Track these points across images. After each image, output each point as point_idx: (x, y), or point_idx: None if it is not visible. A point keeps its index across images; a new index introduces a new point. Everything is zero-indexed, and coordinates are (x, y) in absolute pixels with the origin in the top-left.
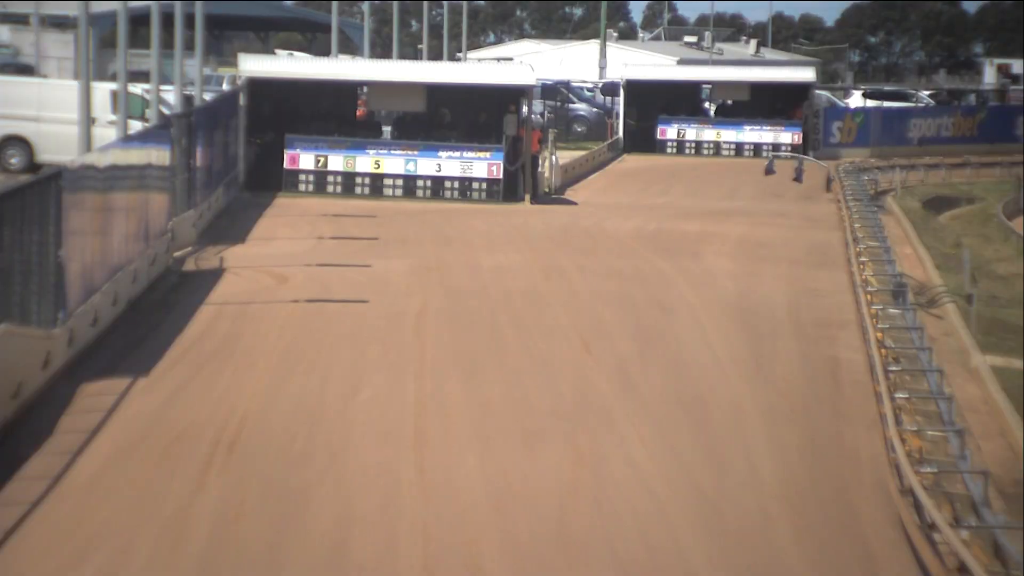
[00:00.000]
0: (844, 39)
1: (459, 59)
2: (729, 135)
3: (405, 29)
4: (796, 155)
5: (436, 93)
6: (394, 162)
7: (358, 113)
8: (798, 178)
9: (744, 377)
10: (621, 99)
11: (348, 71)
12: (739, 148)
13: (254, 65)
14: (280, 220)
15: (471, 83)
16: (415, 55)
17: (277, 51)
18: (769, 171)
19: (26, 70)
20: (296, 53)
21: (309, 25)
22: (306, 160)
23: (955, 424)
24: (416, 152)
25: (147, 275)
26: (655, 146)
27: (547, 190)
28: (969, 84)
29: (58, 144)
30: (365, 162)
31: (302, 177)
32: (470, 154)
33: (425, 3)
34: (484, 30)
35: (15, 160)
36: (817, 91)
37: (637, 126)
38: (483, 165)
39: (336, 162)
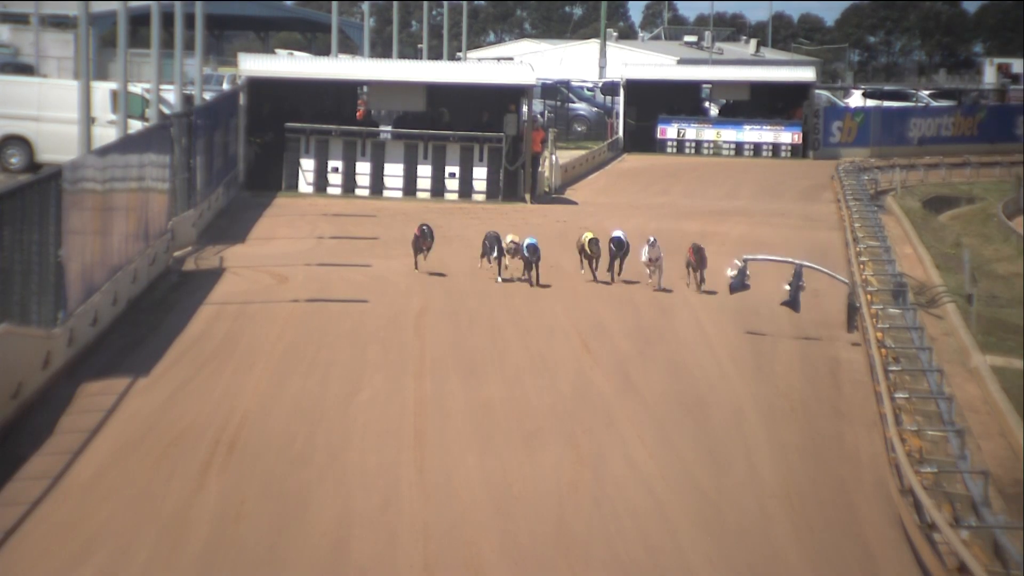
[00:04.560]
0: (844, 39)
1: (459, 59)
2: (729, 135)
3: (405, 29)
4: (792, 261)
5: (436, 93)
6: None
7: (358, 113)
8: (792, 302)
9: (744, 377)
10: (621, 99)
11: (348, 71)
12: (739, 148)
13: (254, 65)
14: (280, 220)
15: (471, 83)
16: (415, 55)
17: (277, 51)
18: (737, 287)
19: (26, 70)
20: (296, 53)
21: (309, 25)
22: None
23: (955, 424)
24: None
25: (147, 275)
26: (655, 146)
27: (547, 190)
28: (969, 84)
29: (58, 144)
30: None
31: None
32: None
33: (425, 3)
34: (484, 30)
35: (15, 160)
36: (817, 91)
37: (637, 126)
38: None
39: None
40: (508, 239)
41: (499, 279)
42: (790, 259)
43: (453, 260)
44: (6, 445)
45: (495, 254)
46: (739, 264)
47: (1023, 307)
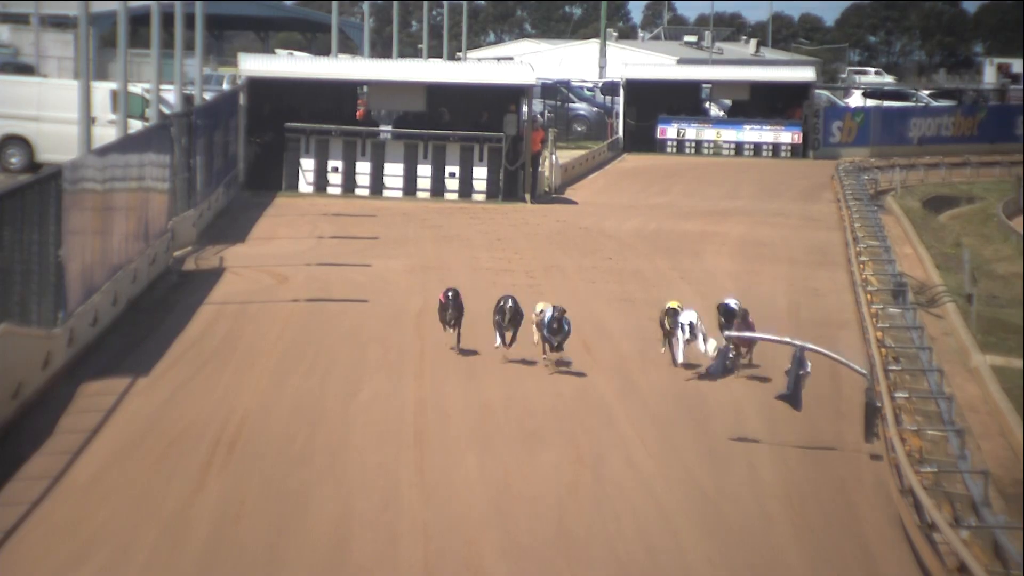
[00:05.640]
0: (844, 39)
1: (459, 59)
2: (729, 135)
3: (405, 29)
4: (791, 342)
5: (436, 93)
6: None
7: (358, 113)
8: (791, 396)
9: (744, 377)
10: (621, 99)
11: (348, 71)
12: (739, 148)
13: (254, 65)
14: (280, 220)
15: (471, 83)
16: (415, 55)
17: (277, 51)
18: (718, 372)
19: (26, 70)
20: (296, 53)
21: (309, 25)
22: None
23: (955, 424)
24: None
25: (147, 275)
26: (655, 146)
27: (547, 190)
28: (969, 84)
29: (58, 144)
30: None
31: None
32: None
33: (425, 3)
34: (484, 30)
35: (15, 160)
36: (817, 91)
37: (637, 126)
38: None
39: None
40: (538, 308)
41: (504, 346)
42: (787, 339)
43: (453, 259)
44: (6, 445)
45: (511, 330)
46: (720, 344)
47: (1023, 307)
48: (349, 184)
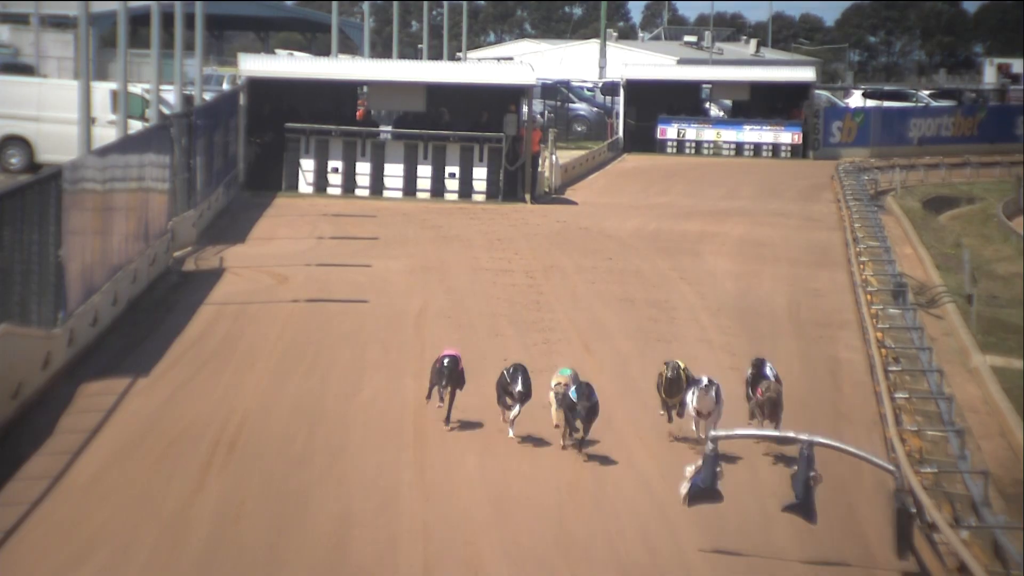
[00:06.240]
0: (844, 39)
1: (459, 59)
2: (729, 135)
3: (405, 29)
4: (796, 436)
5: (436, 93)
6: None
7: (358, 113)
8: (802, 506)
9: (744, 377)
10: (621, 99)
11: (348, 71)
12: (739, 148)
13: (254, 65)
14: (280, 220)
15: (471, 83)
16: (415, 55)
17: (277, 51)
18: (701, 490)
19: (26, 70)
20: (296, 53)
21: (309, 25)
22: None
23: (955, 424)
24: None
25: (147, 275)
26: (655, 146)
27: (547, 190)
28: (969, 84)
29: (58, 144)
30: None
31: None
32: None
33: (425, 3)
34: (484, 30)
35: (15, 160)
36: (817, 91)
37: (637, 126)
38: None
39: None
40: (556, 381)
41: (511, 433)
42: (790, 434)
43: (453, 260)
44: (6, 445)
45: (516, 404)
46: (707, 448)
47: (1023, 307)
48: (349, 184)
